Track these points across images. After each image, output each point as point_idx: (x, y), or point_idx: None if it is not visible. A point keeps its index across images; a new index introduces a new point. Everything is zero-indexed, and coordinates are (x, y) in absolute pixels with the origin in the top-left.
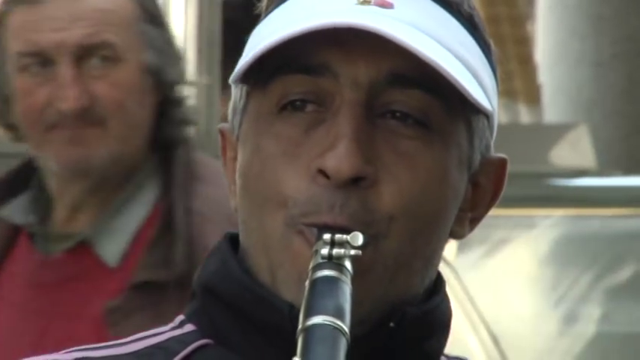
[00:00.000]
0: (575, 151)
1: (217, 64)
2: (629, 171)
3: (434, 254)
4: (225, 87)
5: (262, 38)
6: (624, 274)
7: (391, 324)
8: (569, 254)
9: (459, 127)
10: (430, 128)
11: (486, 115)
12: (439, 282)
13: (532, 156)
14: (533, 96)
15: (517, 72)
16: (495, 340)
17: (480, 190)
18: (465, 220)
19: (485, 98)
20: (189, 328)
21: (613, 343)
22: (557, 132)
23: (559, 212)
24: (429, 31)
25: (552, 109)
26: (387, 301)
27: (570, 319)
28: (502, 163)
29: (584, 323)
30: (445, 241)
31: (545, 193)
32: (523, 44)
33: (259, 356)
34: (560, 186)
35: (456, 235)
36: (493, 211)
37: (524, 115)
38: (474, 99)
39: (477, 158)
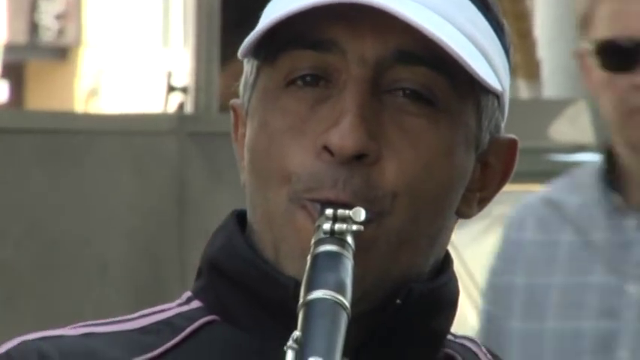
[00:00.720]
0: (574, 126)
1: (216, 39)
2: None
3: (439, 233)
4: (225, 62)
5: (273, 13)
6: None
7: (398, 301)
8: None
9: (467, 106)
10: (436, 106)
11: (496, 95)
12: (447, 261)
13: (531, 131)
14: (532, 71)
15: (516, 47)
16: None
17: (489, 170)
18: (474, 200)
19: (494, 77)
20: (195, 304)
21: None
22: (556, 107)
23: None
24: (437, 9)
25: (551, 85)
26: (390, 278)
27: None
28: (512, 144)
29: None
30: (452, 221)
31: (544, 169)
32: (522, 19)
33: (265, 332)
34: (559, 161)
35: (464, 214)
36: None
37: (524, 91)
38: (480, 77)
39: (486, 138)
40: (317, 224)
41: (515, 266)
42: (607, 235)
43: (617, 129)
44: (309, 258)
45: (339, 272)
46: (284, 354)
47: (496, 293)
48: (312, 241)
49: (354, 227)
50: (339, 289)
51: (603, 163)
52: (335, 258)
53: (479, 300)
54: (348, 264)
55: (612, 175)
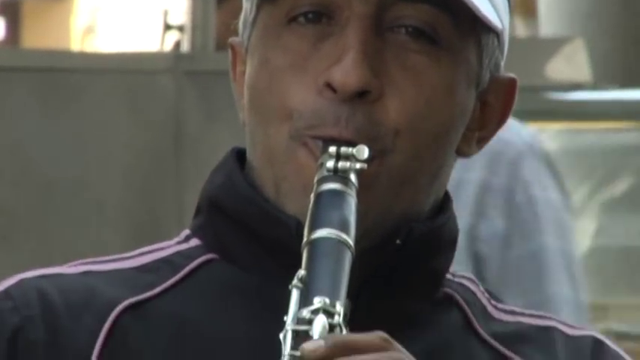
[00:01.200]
0: (570, 64)
1: None
2: (624, 84)
3: (440, 171)
4: (221, 0)
5: None
6: (619, 187)
7: (398, 241)
8: (564, 168)
9: (468, 44)
10: (438, 44)
11: (497, 34)
12: (446, 199)
13: (527, 70)
14: (528, 9)
15: None
16: None
17: (489, 109)
18: (473, 139)
19: (495, 15)
20: (194, 242)
21: (608, 256)
22: (552, 45)
23: (554, 126)
24: None
25: (548, 23)
26: (392, 215)
27: None
28: (512, 83)
29: (579, 237)
30: (452, 159)
31: (540, 107)
32: None
33: (264, 271)
34: (556, 100)
35: (463, 153)
36: None
37: (520, 29)
38: (482, 15)
39: (486, 77)
40: (320, 162)
41: None
42: None
43: None
44: (312, 196)
45: (343, 211)
46: (289, 293)
47: None
48: (315, 179)
49: (358, 165)
50: (343, 227)
51: None
52: (339, 196)
53: None
54: (352, 202)
55: None
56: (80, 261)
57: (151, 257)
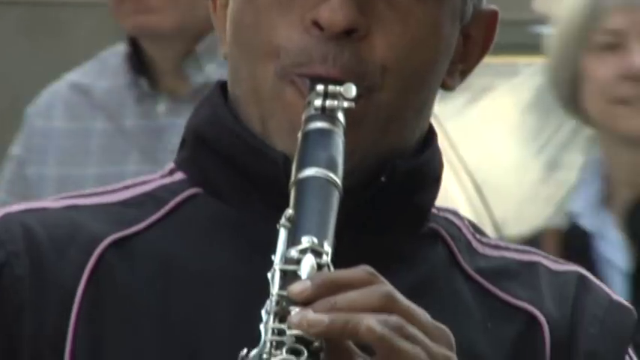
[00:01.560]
0: None
1: None
2: None
3: (424, 106)
4: None
5: None
6: None
7: (382, 178)
8: (552, 102)
9: None
10: None
11: None
12: (431, 134)
13: (515, 3)
14: None
15: None
16: (478, 188)
17: (471, 42)
18: (456, 72)
19: None
20: (179, 176)
21: None
22: None
23: (542, 60)
24: None
25: None
26: (378, 152)
27: (553, 166)
28: (493, 15)
29: (566, 170)
30: (436, 94)
31: (528, 41)
32: None
33: (249, 207)
34: (542, 33)
35: (447, 86)
36: None
37: None
38: None
39: (470, 10)
40: (307, 100)
41: (45, 157)
42: (138, 121)
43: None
44: (299, 135)
45: (330, 150)
46: (277, 232)
47: (27, 184)
48: (303, 117)
49: (346, 104)
50: (331, 167)
51: (130, 47)
52: (327, 135)
53: (461, 172)
54: (340, 141)
55: (140, 59)
56: (64, 194)
57: (135, 191)
